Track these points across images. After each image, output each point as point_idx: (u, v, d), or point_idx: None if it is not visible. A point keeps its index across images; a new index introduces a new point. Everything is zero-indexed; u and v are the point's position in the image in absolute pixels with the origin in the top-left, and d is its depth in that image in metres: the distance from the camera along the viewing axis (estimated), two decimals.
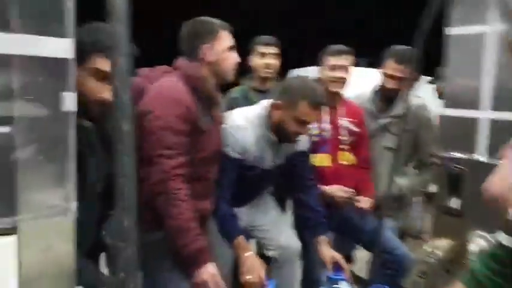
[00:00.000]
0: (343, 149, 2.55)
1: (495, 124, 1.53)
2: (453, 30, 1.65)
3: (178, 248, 1.69)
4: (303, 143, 2.31)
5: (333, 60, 2.49)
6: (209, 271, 1.72)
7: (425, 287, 1.79)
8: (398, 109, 2.62)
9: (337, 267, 2.20)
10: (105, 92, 1.40)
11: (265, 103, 2.24)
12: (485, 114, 1.55)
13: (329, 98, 2.46)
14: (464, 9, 1.62)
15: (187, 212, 1.71)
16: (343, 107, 2.59)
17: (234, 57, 1.94)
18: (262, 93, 2.72)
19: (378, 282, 2.25)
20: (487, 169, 1.18)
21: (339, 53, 2.51)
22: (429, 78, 3.92)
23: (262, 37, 2.82)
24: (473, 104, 1.58)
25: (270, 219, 2.42)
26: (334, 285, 2.15)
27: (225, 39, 1.91)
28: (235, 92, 2.79)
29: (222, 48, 1.90)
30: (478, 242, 1.60)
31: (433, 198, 2.38)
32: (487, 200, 1.14)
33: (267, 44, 2.77)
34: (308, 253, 2.41)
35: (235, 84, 2.66)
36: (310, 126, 2.20)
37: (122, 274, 0.72)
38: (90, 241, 1.47)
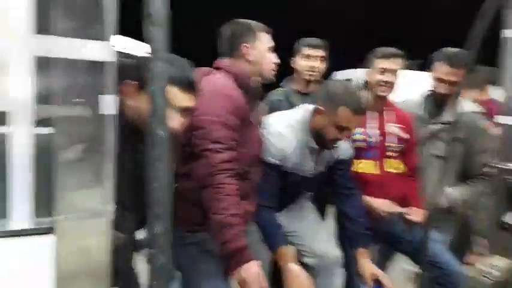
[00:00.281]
0: (390, 156, 2.45)
1: None
2: (509, 33, 1.55)
3: (221, 244, 1.67)
4: (344, 151, 2.24)
5: (382, 63, 2.39)
6: (252, 270, 1.68)
7: None
8: (449, 115, 2.50)
9: (377, 283, 2.12)
10: (168, 120, 1.43)
11: (306, 107, 2.19)
12: None
13: (376, 102, 2.38)
14: None
15: (233, 208, 1.67)
16: (392, 112, 2.49)
17: (273, 58, 1.96)
18: (305, 96, 2.67)
19: None
20: None
21: (389, 55, 2.41)
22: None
23: (309, 39, 2.76)
24: None
25: (308, 226, 2.36)
26: None
27: (264, 39, 1.94)
28: (276, 94, 2.76)
29: (262, 48, 1.93)
30: None
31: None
32: None
33: (314, 46, 2.71)
34: (349, 265, 2.34)
35: (275, 86, 2.63)
36: (353, 131, 2.14)
37: (153, 282, 0.72)
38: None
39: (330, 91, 2.14)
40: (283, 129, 2.11)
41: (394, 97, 2.55)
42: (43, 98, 0.86)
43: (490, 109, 2.95)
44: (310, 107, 2.18)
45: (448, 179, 2.54)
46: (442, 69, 2.47)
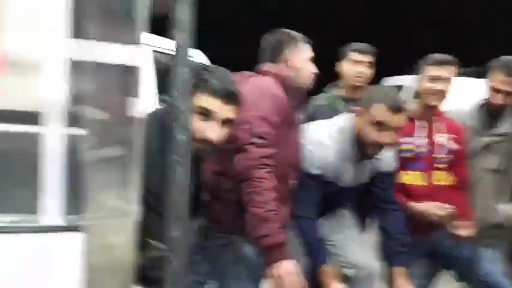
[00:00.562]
0: (438, 168, 2.34)
1: None
2: None
3: (259, 237, 1.66)
4: (388, 163, 2.17)
5: (433, 71, 2.27)
6: (287, 267, 1.66)
7: None
8: (505, 127, 2.35)
9: None
10: (208, 131, 1.47)
11: (347, 115, 2.14)
12: None
13: (426, 112, 2.28)
14: None
15: (272, 203, 1.66)
16: (442, 121, 2.38)
17: (311, 68, 2.00)
18: (349, 102, 2.61)
19: None
20: None
21: (441, 63, 2.28)
22: None
23: (357, 44, 2.70)
24: None
25: (347, 236, 2.30)
26: None
27: (305, 49, 1.99)
28: (320, 99, 2.71)
29: (301, 57, 1.97)
30: None
31: None
32: None
33: (362, 52, 2.65)
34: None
35: (318, 91, 2.60)
36: (394, 136, 2.03)
37: (169, 286, 0.72)
38: None
39: (368, 91, 2.09)
40: (324, 138, 2.07)
41: (444, 105, 2.44)
42: (75, 99, 0.90)
43: None
44: (352, 115, 2.13)
45: (503, 194, 2.39)
46: (498, 78, 2.32)
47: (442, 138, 2.34)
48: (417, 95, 2.33)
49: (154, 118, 1.67)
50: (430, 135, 2.34)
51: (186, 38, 0.78)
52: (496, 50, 2.61)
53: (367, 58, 2.64)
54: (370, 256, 2.28)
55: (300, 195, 2.00)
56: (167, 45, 4.28)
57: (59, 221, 0.85)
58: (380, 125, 1.95)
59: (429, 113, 2.30)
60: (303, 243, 2.03)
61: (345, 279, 2.31)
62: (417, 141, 2.30)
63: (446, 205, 2.21)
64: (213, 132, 1.47)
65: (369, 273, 2.24)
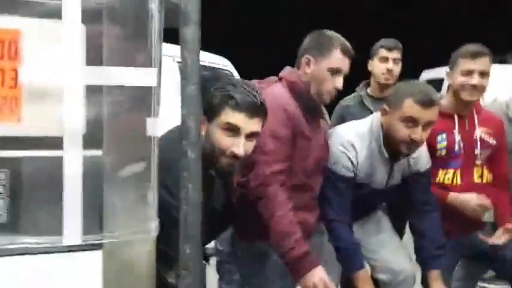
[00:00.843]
0: (476, 165, 2.25)
1: None
2: None
3: (284, 253, 1.66)
4: (422, 162, 2.10)
5: (466, 65, 2.16)
6: (318, 274, 1.66)
7: None
8: None
9: None
10: (235, 147, 1.49)
11: (376, 115, 2.09)
12: None
13: (462, 107, 2.19)
14: None
15: (289, 215, 1.67)
16: (479, 116, 2.27)
17: (334, 82, 1.81)
18: (379, 101, 2.55)
19: None
20: None
21: (475, 55, 2.14)
22: None
23: (385, 40, 2.64)
24: None
25: (382, 240, 2.25)
26: None
27: (335, 60, 1.80)
28: (348, 99, 2.67)
29: (326, 67, 1.80)
30: None
31: None
32: None
33: (391, 49, 2.59)
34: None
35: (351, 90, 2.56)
36: (426, 132, 1.96)
37: None
38: None
39: (397, 87, 2.03)
40: (353, 139, 2.03)
41: (481, 98, 2.33)
42: (94, 121, 0.93)
43: None
44: (380, 113, 2.08)
45: None
46: None
47: (479, 133, 2.23)
48: (451, 90, 2.24)
49: (179, 131, 1.71)
50: (467, 131, 2.24)
51: (193, 57, 0.79)
52: None
53: (394, 54, 2.58)
54: (407, 261, 2.22)
55: (331, 199, 1.98)
56: None
57: (79, 240, 0.87)
58: (410, 121, 1.88)
59: (465, 108, 2.20)
60: (338, 248, 2.00)
61: (380, 284, 2.26)
62: (453, 138, 2.22)
63: (485, 199, 2.11)
64: (239, 147, 1.49)
65: (405, 279, 2.18)
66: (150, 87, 0.95)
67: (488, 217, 2.14)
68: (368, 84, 2.70)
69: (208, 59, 4.78)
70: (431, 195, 2.14)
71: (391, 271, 2.20)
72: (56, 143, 0.90)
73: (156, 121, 0.96)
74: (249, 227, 1.81)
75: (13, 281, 0.86)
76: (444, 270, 2.12)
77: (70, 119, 0.89)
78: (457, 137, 2.20)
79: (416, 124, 1.88)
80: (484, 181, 2.22)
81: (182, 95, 0.79)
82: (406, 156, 2.01)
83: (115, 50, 0.91)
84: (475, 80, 2.11)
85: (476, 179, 2.22)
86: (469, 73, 2.12)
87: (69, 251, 0.89)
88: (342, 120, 2.26)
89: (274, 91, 1.84)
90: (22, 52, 0.88)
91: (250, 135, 1.54)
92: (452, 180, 2.21)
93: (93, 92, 0.92)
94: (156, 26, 0.88)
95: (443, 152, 2.18)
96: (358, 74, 2.60)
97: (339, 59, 1.81)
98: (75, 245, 0.90)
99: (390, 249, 2.24)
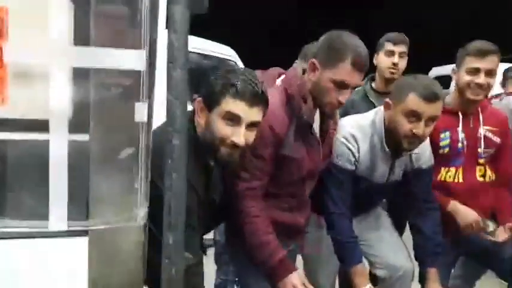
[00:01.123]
0: (479, 163, 2.21)
1: None
2: None
3: (260, 264, 1.68)
4: (425, 158, 2.06)
5: (473, 63, 2.11)
6: (292, 281, 1.67)
7: None
8: None
9: None
10: (235, 136, 1.47)
11: (379, 108, 2.06)
12: None
13: (467, 104, 2.15)
14: None
15: (263, 227, 1.68)
16: (483, 113, 2.24)
17: (338, 95, 1.67)
18: (384, 95, 2.52)
19: None
20: None
21: (483, 53, 2.09)
22: None
23: (391, 34, 2.60)
24: None
25: (381, 236, 2.23)
26: None
27: (342, 73, 1.64)
28: (352, 93, 2.64)
29: (330, 78, 1.66)
30: None
31: None
32: None
33: (397, 42, 2.55)
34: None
35: None
36: (429, 127, 1.92)
37: None
38: None
39: (400, 81, 1.99)
40: (355, 131, 2.00)
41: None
42: (81, 105, 0.90)
43: None
44: (383, 107, 2.04)
45: None
46: None
47: (483, 130, 2.20)
48: (456, 87, 2.20)
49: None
50: (471, 129, 2.21)
51: (181, 38, 0.76)
52: None
53: (400, 48, 2.54)
54: (405, 257, 2.20)
55: (332, 192, 1.96)
56: (196, 44, 4.32)
57: (65, 226, 0.85)
58: (413, 116, 1.85)
59: (470, 106, 2.17)
60: (336, 241, 1.99)
61: (378, 280, 2.24)
62: (456, 136, 2.18)
63: (481, 218, 2.09)
64: (240, 136, 1.47)
65: (403, 275, 2.16)
66: (138, 71, 0.93)
67: (492, 228, 2.12)
68: (373, 79, 2.66)
69: (212, 47, 4.75)
70: (432, 193, 2.11)
71: (389, 267, 2.18)
72: (41, 125, 0.88)
73: (144, 106, 0.94)
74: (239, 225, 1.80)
75: None
76: (442, 267, 2.10)
77: (56, 101, 0.87)
78: (461, 135, 2.16)
79: (419, 119, 1.85)
80: (487, 180, 2.18)
81: (168, 80, 0.77)
82: (408, 151, 1.98)
83: (103, 31, 0.89)
84: (481, 79, 2.06)
85: (478, 177, 2.18)
86: (475, 72, 2.07)
87: (55, 236, 0.88)
88: (346, 114, 2.22)
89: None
90: (7, 30, 0.86)
91: (250, 125, 1.52)
92: (454, 178, 2.17)
93: (80, 73, 0.90)
94: (146, 4, 0.85)
95: (446, 150, 2.15)
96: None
97: (346, 72, 1.64)
98: (61, 231, 0.88)
99: (389, 245, 2.22)
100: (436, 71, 5.69)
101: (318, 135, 1.86)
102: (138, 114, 0.93)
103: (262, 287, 1.79)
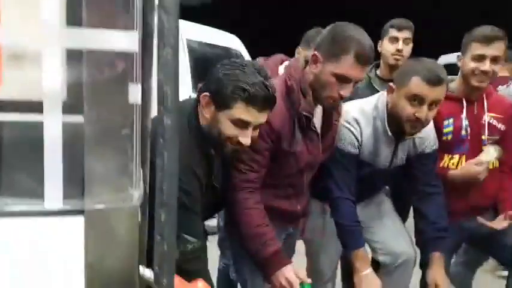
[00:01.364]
0: (483, 150, 2.21)
1: None
2: None
3: (254, 255, 1.71)
4: (428, 143, 2.06)
5: (478, 49, 2.08)
6: (285, 274, 1.69)
7: None
8: None
9: None
10: (242, 137, 1.50)
11: (384, 94, 2.06)
12: None
13: (470, 92, 2.14)
14: None
15: (257, 219, 1.70)
16: (487, 100, 2.23)
17: (340, 89, 1.65)
18: (389, 82, 2.51)
19: None
20: None
21: (489, 39, 2.07)
22: None
23: (395, 20, 2.59)
24: None
25: (384, 223, 2.24)
26: None
27: (344, 67, 1.62)
28: None
29: (332, 71, 1.63)
30: None
31: None
32: None
33: (401, 28, 2.54)
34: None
35: None
36: (430, 112, 1.90)
37: (156, 268, 0.73)
38: None
39: (404, 65, 1.99)
40: (358, 116, 2.00)
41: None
42: (74, 87, 0.91)
43: None
44: (386, 92, 2.04)
45: None
46: None
47: (487, 117, 2.19)
48: (461, 74, 2.19)
49: (180, 106, 1.71)
50: (475, 116, 2.20)
51: (172, 20, 0.76)
52: None
53: (404, 34, 2.52)
54: (408, 243, 2.20)
55: (336, 176, 1.97)
56: (201, 33, 4.31)
57: (60, 204, 0.87)
58: (416, 99, 1.84)
59: (474, 92, 2.15)
60: (339, 224, 2.00)
61: (381, 266, 2.25)
62: (460, 123, 2.17)
63: (483, 158, 2.07)
64: (247, 137, 1.52)
65: (405, 261, 2.17)
66: (132, 52, 0.93)
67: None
68: (377, 66, 2.66)
69: (218, 36, 4.74)
70: (435, 178, 2.11)
71: (391, 253, 2.19)
72: (36, 106, 0.89)
73: (139, 88, 0.94)
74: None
75: None
76: (443, 254, 2.10)
77: (49, 82, 0.88)
78: (464, 122, 2.15)
79: (422, 102, 1.84)
80: (490, 166, 2.18)
81: (158, 59, 0.77)
82: (411, 135, 1.98)
83: (95, 12, 0.89)
84: (486, 66, 2.05)
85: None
86: (480, 58, 2.05)
87: (50, 214, 0.89)
88: (350, 100, 2.22)
89: None
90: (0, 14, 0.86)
91: (256, 126, 1.56)
92: (457, 165, 2.17)
93: (72, 55, 0.90)
94: None
95: (450, 137, 2.15)
96: None
97: (349, 66, 1.61)
98: (57, 210, 0.89)
99: (391, 231, 2.23)
100: (445, 58, 5.64)
101: (319, 126, 1.86)
102: (132, 96, 0.94)
103: (256, 275, 1.81)
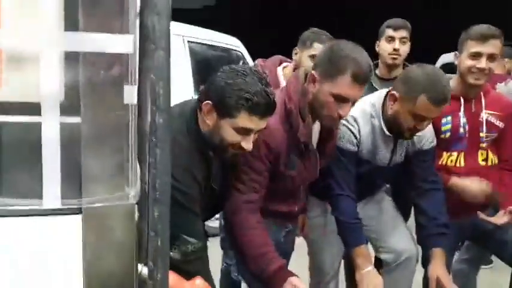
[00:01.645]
0: (481, 148, 2.21)
1: None
2: None
3: (258, 275, 1.72)
4: (426, 139, 2.07)
5: (474, 47, 2.10)
6: (291, 281, 1.72)
7: None
8: None
9: None
10: (245, 143, 1.53)
11: (382, 92, 2.07)
12: None
13: (467, 90, 2.15)
14: None
15: (258, 239, 1.72)
16: (485, 97, 2.24)
17: (337, 110, 1.65)
18: (388, 81, 2.54)
19: None
20: None
21: (485, 37, 2.10)
22: None
23: (391, 20, 2.62)
24: None
25: (385, 220, 2.25)
26: None
27: (341, 87, 1.61)
28: None
29: (330, 91, 1.63)
30: None
31: None
32: None
33: (397, 28, 2.56)
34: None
35: None
36: (430, 123, 1.95)
37: (150, 263, 0.75)
38: None
39: (410, 77, 1.98)
40: (356, 114, 2.02)
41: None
42: (72, 89, 0.93)
43: None
44: (384, 91, 2.06)
45: None
46: None
47: (486, 114, 2.20)
48: (458, 72, 2.20)
49: (180, 109, 1.73)
50: (473, 114, 2.21)
51: (163, 22, 0.78)
52: None
53: (400, 34, 2.55)
54: (409, 241, 2.21)
55: (336, 174, 1.99)
56: (203, 35, 4.35)
57: (59, 204, 0.89)
58: (420, 117, 1.88)
59: (472, 90, 2.17)
60: (340, 221, 2.02)
61: (383, 264, 2.25)
62: (460, 120, 2.18)
63: (489, 184, 2.08)
64: (249, 143, 1.55)
65: (408, 259, 2.18)
66: (126, 54, 0.95)
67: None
68: (376, 66, 2.69)
69: (219, 38, 4.77)
70: (434, 174, 2.12)
71: (393, 251, 2.20)
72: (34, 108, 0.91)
73: (133, 88, 0.96)
74: None
75: None
76: (445, 251, 2.11)
77: (47, 84, 0.90)
78: (462, 120, 2.17)
79: (426, 119, 1.88)
80: (489, 164, 2.19)
81: (152, 61, 0.79)
82: (409, 139, 2.00)
83: (91, 15, 0.91)
84: (483, 63, 2.07)
85: (480, 161, 2.19)
86: (477, 56, 2.08)
87: (49, 214, 0.91)
88: None
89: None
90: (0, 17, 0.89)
91: (257, 131, 1.59)
92: (456, 163, 2.18)
93: (70, 58, 0.92)
94: None
95: (448, 135, 2.16)
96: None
97: (346, 86, 1.61)
98: (56, 209, 0.92)
99: (393, 229, 2.24)
100: (446, 58, 5.64)
101: (317, 137, 1.87)
102: (127, 97, 0.96)
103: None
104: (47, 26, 0.91)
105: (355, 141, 2.02)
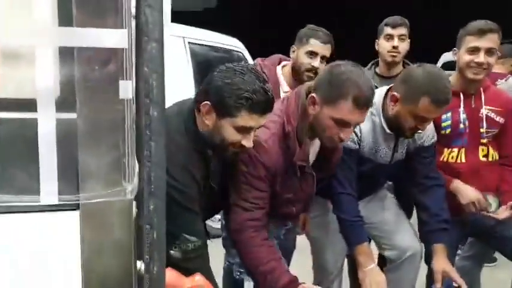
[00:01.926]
0: (481, 143, 2.21)
1: None
2: None
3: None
4: (426, 136, 2.07)
5: (473, 42, 2.11)
6: (303, 286, 1.69)
7: None
8: None
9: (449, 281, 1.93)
10: (245, 141, 1.53)
11: (382, 90, 2.07)
12: None
13: (467, 85, 2.15)
14: None
15: (267, 255, 1.71)
16: (485, 93, 2.23)
17: (338, 133, 1.63)
18: (387, 79, 2.53)
19: None
20: None
21: (482, 32, 2.10)
22: None
23: (390, 18, 2.62)
24: None
25: (388, 218, 2.25)
26: None
27: (342, 112, 1.59)
28: None
29: (330, 115, 1.61)
30: None
31: None
32: None
33: (395, 26, 2.56)
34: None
35: None
36: (430, 123, 1.94)
37: (146, 257, 0.74)
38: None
39: (412, 77, 1.97)
40: None
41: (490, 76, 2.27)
42: (67, 84, 0.93)
43: None
44: (385, 88, 2.05)
45: None
46: None
47: (486, 110, 2.19)
48: (457, 68, 2.20)
49: (178, 109, 1.73)
50: (473, 109, 2.20)
51: (155, 14, 0.78)
52: None
53: (399, 31, 2.55)
54: (413, 238, 2.20)
55: (338, 172, 1.98)
56: (204, 37, 4.35)
57: (56, 200, 0.89)
58: (422, 118, 1.88)
59: (471, 86, 2.16)
60: (341, 220, 2.01)
61: (387, 261, 2.24)
62: (460, 116, 2.18)
63: (482, 196, 2.08)
64: (250, 141, 1.54)
65: (412, 255, 2.17)
66: (121, 49, 0.95)
67: (494, 207, 2.11)
68: (376, 64, 2.69)
69: (220, 40, 4.78)
70: (435, 170, 2.11)
71: (397, 248, 2.20)
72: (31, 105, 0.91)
73: (128, 83, 0.96)
74: None
75: None
76: (447, 247, 2.10)
77: (42, 80, 0.90)
78: (462, 116, 2.17)
79: (428, 120, 1.88)
80: (490, 160, 2.18)
81: (145, 53, 0.79)
82: (410, 138, 2.00)
83: (85, 10, 0.92)
84: (481, 58, 2.07)
85: (481, 157, 2.18)
86: (475, 51, 2.08)
87: (46, 210, 0.91)
88: None
89: (265, 135, 1.70)
90: None
91: (257, 128, 1.59)
92: (457, 159, 2.18)
93: (65, 53, 0.92)
94: None
95: (448, 131, 2.16)
96: (367, 55, 2.56)
97: (347, 110, 1.59)
98: (53, 205, 0.92)
99: (396, 226, 2.24)
100: (447, 56, 5.63)
101: (316, 154, 1.86)
102: (122, 92, 0.96)
103: None
104: (41, 21, 0.91)
105: (355, 138, 2.01)
